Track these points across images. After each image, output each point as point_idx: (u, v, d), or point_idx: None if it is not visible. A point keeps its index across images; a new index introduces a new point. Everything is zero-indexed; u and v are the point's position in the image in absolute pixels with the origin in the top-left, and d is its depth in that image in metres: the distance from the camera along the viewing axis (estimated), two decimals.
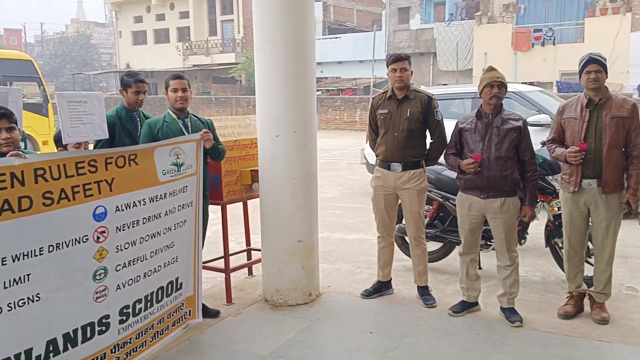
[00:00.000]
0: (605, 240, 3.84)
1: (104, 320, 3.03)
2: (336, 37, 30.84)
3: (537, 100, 7.83)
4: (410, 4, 27.57)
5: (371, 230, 5.35)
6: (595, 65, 3.69)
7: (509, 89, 8.75)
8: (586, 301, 4.07)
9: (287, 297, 4.27)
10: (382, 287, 4.52)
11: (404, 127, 4.18)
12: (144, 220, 3.25)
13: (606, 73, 3.74)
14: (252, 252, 5.05)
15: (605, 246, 3.85)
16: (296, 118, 4.13)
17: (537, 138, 4.91)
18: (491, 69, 3.90)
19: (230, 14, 35.55)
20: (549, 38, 21.63)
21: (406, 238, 4.73)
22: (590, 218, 3.90)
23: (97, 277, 2.97)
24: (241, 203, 4.68)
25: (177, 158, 3.52)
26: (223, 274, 4.43)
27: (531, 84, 20.36)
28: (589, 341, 3.63)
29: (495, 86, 3.79)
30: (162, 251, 3.45)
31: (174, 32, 37.42)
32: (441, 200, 5.00)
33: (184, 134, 3.80)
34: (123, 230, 3.09)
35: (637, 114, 3.78)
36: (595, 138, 3.73)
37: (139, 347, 3.32)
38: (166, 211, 3.45)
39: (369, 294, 4.48)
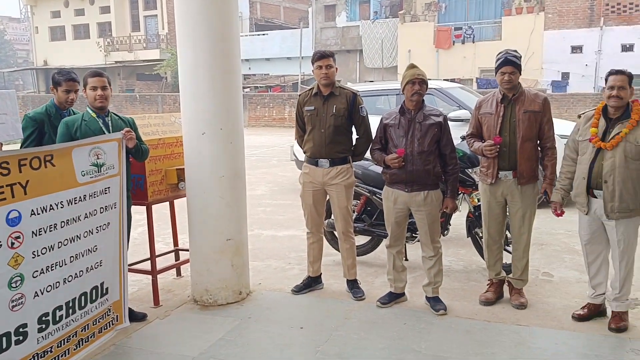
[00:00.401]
0: (521, 228, 4.05)
1: (21, 330, 2.89)
2: (263, 34, 30.68)
3: (458, 96, 8.12)
4: (336, 1, 27.85)
5: (301, 227, 5.38)
6: (509, 67, 3.88)
7: (431, 86, 9.04)
8: (506, 287, 4.28)
9: (216, 297, 4.22)
10: (312, 283, 4.56)
11: (330, 124, 4.23)
12: (63, 223, 3.12)
13: (520, 71, 3.94)
14: (180, 252, 4.95)
15: (521, 234, 4.07)
16: (222, 115, 4.08)
17: (458, 133, 5.13)
18: (412, 66, 4.01)
19: (153, 9, 34.58)
20: (468, 36, 22.49)
21: (335, 233, 4.79)
22: (507, 208, 4.11)
23: (13, 285, 2.83)
24: (168, 203, 4.58)
25: (98, 158, 3.40)
26: (150, 276, 4.33)
27: (453, 80, 21.10)
28: (509, 326, 3.82)
29: (417, 83, 3.90)
30: (83, 255, 3.33)
31: (95, 28, 35.98)
32: (368, 194, 5.10)
33: (105, 134, 3.67)
34: (39, 235, 2.96)
35: (548, 108, 4.01)
36: (509, 132, 3.93)
37: (62, 356, 3.19)
38: (87, 214, 3.33)
39: (299, 289, 4.50)
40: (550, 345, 3.54)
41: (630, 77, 3.62)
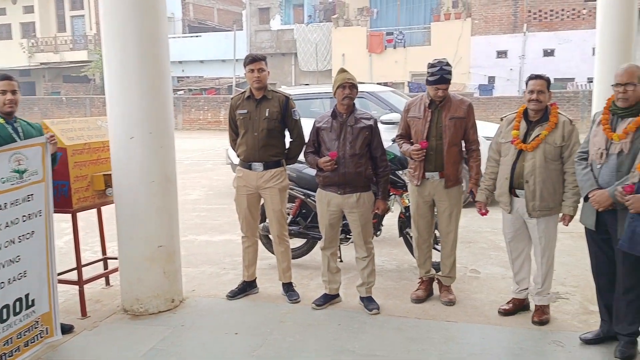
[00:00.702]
0: (448, 227, 4.19)
1: None
2: (197, 36, 30.21)
3: (389, 100, 8.31)
4: (270, 4, 27.83)
5: (236, 231, 5.33)
6: (444, 85, 4.00)
7: (363, 90, 9.19)
8: (436, 285, 4.41)
9: (148, 306, 4.12)
10: (247, 287, 4.53)
11: (263, 127, 4.22)
12: None
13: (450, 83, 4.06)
14: (109, 261, 4.79)
15: (449, 233, 4.21)
16: (152, 119, 3.99)
17: (390, 135, 5.24)
18: (342, 70, 4.07)
19: (80, 9, 33.34)
20: (400, 41, 23.02)
21: (270, 236, 4.78)
22: (435, 208, 4.23)
23: None
24: (95, 210, 4.42)
25: (19, 164, 3.25)
26: (77, 287, 4.17)
27: (385, 84, 21.54)
28: (439, 322, 3.93)
29: (347, 87, 3.96)
30: (4, 266, 3.16)
31: (17, 28, 34.28)
32: (303, 197, 5.12)
33: (15, 140, 3.47)
34: None
35: (472, 114, 4.16)
36: (436, 136, 4.06)
37: None
38: (7, 222, 3.17)
39: (234, 294, 4.46)
40: (478, 340, 3.68)
41: (548, 81, 3.80)
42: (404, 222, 5.01)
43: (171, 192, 4.18)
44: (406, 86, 22.63)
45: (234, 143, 4.47)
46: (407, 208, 4.90)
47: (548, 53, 21.78)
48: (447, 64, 4.05)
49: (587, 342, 3.54)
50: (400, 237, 5.20)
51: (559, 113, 3.78)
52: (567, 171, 3.69)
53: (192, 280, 4.88)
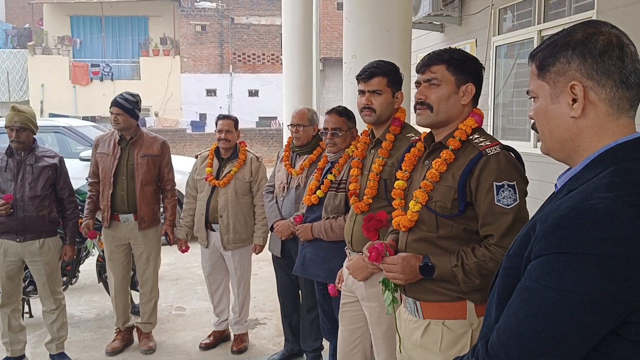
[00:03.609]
0: (146, 271, 4.04)
1: None
2: None
3: (90, 135, 7.84)
4: None
5: None
6: (115, 108, 3.82)
7: (61, 124, 8.49)
8: (136, 332, 4.20)
9: None
10: None
11: None
12: None
13: (132, 115, 3.86)
14: None
15: (147, 277, 4.05)
16: None
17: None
18: (13, 109, 3.59)
19: None
20: (107, 73, 22.06)
21: None
22: (132, 250, 4.05)
23: None
24: None
25: None
26: None
27: (93, 117, 20.41)
28: None
29: (15, 130, 3.53)
30: None
31: None
32: None
33: None
34: None
35: (167, 152, 4.10)
36: (127, 175, 3.90)
37: None
38: None
39: None
40: None
41: (236, 121, 4.04)
42: (103, 265, 4.70)
43: None
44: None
45: None
46: (104, 250, 4.62)
47: (253, 93, 23.42)
48: (131, 94, 3.91)
49: None
50: (99, 282, 4.88)
51: (247, 150, 4.03)
52: (256, 204, 3.95)
53: None
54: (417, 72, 1.98)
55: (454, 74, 1.91)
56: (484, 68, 2.00)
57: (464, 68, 1.92)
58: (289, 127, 3.62)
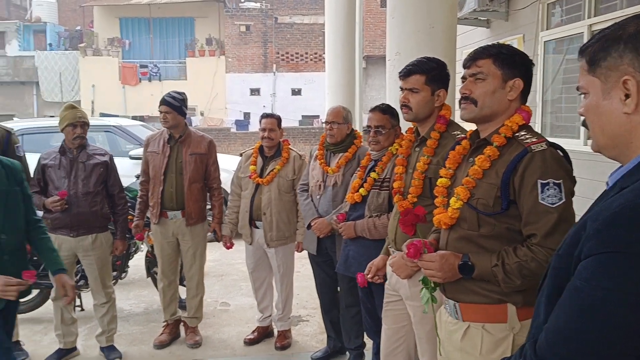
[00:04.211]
0: (193, 267, 4.13)
1: None
2: None
3: (139, 134, 8.05)
4: (6, 28, 24.96)
5: None
6: (163, 106, 3.94)
7: (111, 124, 8.75)
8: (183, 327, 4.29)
9: None
10: None
11: None
12: None
13: (180, 112, 3.98)
14: None
15: (193, 273, 4.14)
16: None
17: (138, 170, 5.03)
18: (71, 107, 3.77)
19: None
20: (155, 74, 22.60)
21: None
22: (180, 246, 4.15)
23: None
24: None
25: None
26: None
27: (142, 117, 20.91)
28: None
29: (79, 126, 3.69)
30: None
31: None
32: None
33: None
34: None
35: (214, 150, 4.20)
36: (176, 172, 4.00)
37: None
38: None
39: None
40: None
41: (279, 120, 4.07)
42: (152, 261, 4.83)
43: None
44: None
45: None
46: (153, 246, 4.74)
47: (296, 92, 23.56)
48: (178, 93, 4.02)
49: None
50: (148, 277, 5.01)
51: (290, 149, 4.07)
52: (299, 202, 3.98)
53: None
54: (464, 67, 1.95)
55: (501, 69, 1.86)
56: (533, 64, 1.95)
57: (512, 63, 1.87)
58: (324, 124, 3.64)
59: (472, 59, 1.90)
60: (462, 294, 1.89)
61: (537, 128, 5.52)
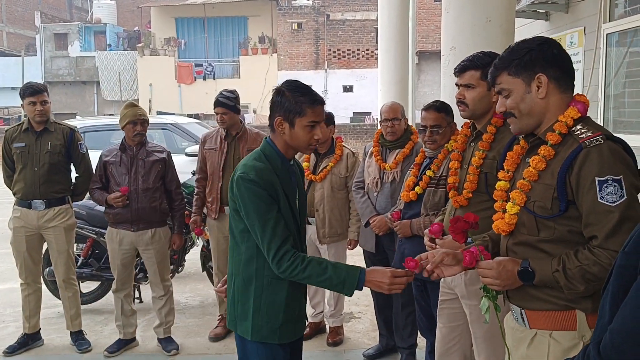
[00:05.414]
0: None
1: None
2: None
3: (194, 132, 8.24)
4: (68, 30, 26.02)
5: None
6: (219, 108, 4.01)
7: (167, 121, 8.96)
8: None
9: None
10: (29, 340, 4.06)
11: (45, 162, 3.88)
12: None
13: (235, 111, 4.06)
14: None
15: None
16: None
17: (194, 167, 5.16)
18: (132, 105, 3.90)
19: None
20: (209, 73, 23.08)
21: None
22: None
23: None
24: None
25: None
26: None
27: (197, 115, 21.38)
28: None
29: (139, 123, 3.82)
30: None
31: None
32: (95, 237, 4.77)
33: None
34: None
35: None
36: (234, 168, 4.05)
37: None
38: None
39: (13, 350, 3.97)
40: None
41: (330, 116, 4.07)
42: (207, 255, 4.94)
43: None
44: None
45: (9, 180, 4.04)
46: (208, 241, 4.85)
47: (347, 89, 23.54)
48: (230, 91, 4.08)
49: (369, 357, 3.81)
50: (203, 271, 5.12)
51: (344, 146, 4.06)
52: (351, 199, 3.97)
53: None
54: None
55: (517, 76, 1.77)
56: (557, 46, 1.80)
57: (525, 65, 1.76)
58: (382, 122, 3.61)
59: (493, 76, 1.86)
60: (527, 302, 1.79)
61: (599, 123, 5.31)
